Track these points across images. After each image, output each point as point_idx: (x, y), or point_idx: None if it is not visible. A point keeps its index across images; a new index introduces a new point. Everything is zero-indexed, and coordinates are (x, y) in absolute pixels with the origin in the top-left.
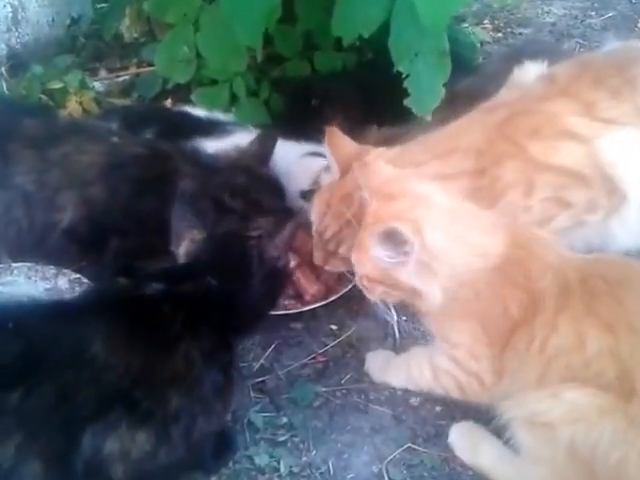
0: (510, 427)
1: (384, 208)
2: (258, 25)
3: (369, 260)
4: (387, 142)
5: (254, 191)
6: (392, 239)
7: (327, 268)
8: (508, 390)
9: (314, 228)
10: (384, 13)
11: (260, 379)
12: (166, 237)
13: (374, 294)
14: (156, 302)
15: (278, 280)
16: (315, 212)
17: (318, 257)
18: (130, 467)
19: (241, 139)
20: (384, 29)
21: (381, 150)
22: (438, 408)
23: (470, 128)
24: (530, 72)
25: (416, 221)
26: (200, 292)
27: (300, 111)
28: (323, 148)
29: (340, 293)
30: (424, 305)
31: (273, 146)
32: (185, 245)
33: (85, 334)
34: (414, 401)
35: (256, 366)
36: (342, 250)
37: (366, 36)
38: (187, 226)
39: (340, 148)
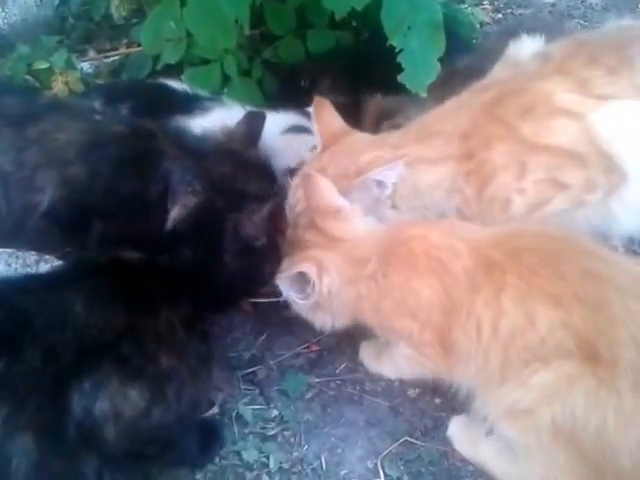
0: (495, 427)
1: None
2: None
3: None
4: (388, 112)
5: (239, 180)
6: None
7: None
8: (477, 381)
9: (287, 202)
10: None
11: (250, 370)
12: (151, 220)
13: None
14: (134, 269)
15: (255, 258)
16: (291, 186)
17: (290, 235)
18: (123, 427)
19: (223, 116)
20: (378, 3)
21: (364, 135)
22: (437, 400)
23: (456, 111)
24: (526, 47)
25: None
26: (175, 263)
27: (290, 93)
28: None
29: None
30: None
31: (261, 127)
32: (176, 209)
33: (66, 297)
34: (412, 392)
35: (247, 356)
36: None
37: (359, 9)
38: (184, 190)
39: (326, 122)
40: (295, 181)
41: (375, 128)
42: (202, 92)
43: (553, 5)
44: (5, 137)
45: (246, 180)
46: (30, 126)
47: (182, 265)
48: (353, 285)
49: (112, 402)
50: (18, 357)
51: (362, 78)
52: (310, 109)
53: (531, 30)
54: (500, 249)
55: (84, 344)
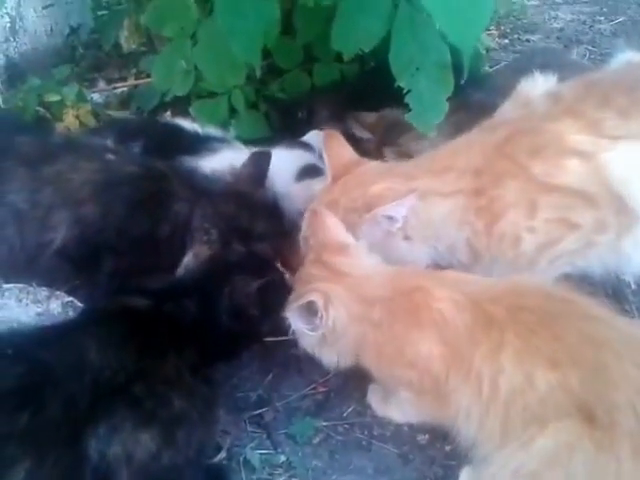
0: None
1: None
2: (256, 41)
3: None
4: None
5: (245, 220)
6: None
7: None
8: (479, 437)
9: (301, 234)
10: (385, 27)
11: (257, 412)
12: (159, 256)
13: None
14: (141, 316)
15: (248, 324)
16: (304, 219)
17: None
18: (135, 470)
19: (231, 157)
20: (386, 40)
21: (375, 163)
22: (447, 447)
23: (468, 147)
24: (537, 86)
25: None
26: (178, 313)
27: (290, 126)
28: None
29: None
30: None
31: (267, 167)
32: (190, 256)
33: (80, 345)
34: (421, 439)
35: (253, 397)
36: None
37: (367, 50)
38: (200, 238)
39: (337, 154)
40: (307, 214)
41: (382, 142)
42: (212, 132)
43: (561, 30)
44: (20, 176)
45: (251, 220)
46: (45, 166)
47: (185, 317)
48: (358, 323)
49: (125, 446)
50: (41, 409)
51: (365, 106)
52: (306, 138)
53: (541, 59)
54: (500, 305)
55: (99, 388)
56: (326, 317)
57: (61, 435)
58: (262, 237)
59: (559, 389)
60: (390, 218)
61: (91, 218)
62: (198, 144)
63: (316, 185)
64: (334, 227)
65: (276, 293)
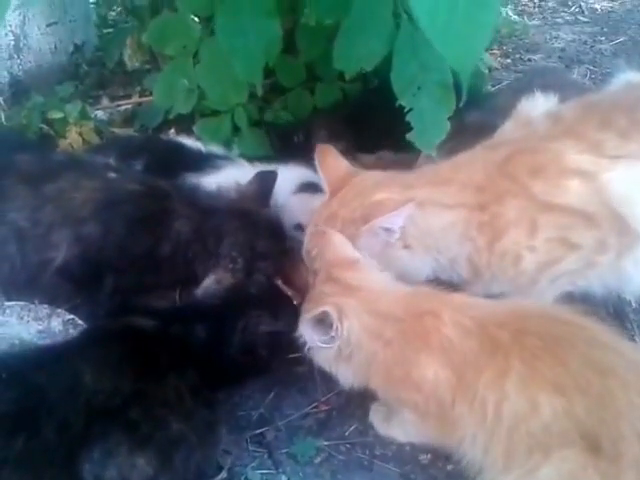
0: None
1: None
2: (257, 60)
3: None
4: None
5: (247, 237)
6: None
7: None
8: (483, 461)
9: (303, 250)
10: (386, 47)
11: (259, 431)
12: (161, 275)
13: None
14: (145, 336)
15: (255, 360)
16: (306, 234)
17: (310, 282)
18: None
19: (235, 174)
20: (387, 59)
21: (372, 173)
22: (449, 467)
23: (470, 163)
24: (537, 105)
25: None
26: (187, 337)
27: (287, 149)
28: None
29: None
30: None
31: (272, 186)
32: (212, 280)
33: (75, 367)
34: (423, 458)
35: (255, 415)
36: None
37: (368, 69)
38: (225, 265)
39: (332, 167)
40: (308, 238)
41: None
42: (215, 149)
43: (562, 50)
44: (21, 194)
45: (254, 238)
46: (47, 184)
47: (193, 341)
48: (371, 338)
49: (120, 470)
50: (35, 433)
51: (366, 125)
52: None
53: (542, 78)
54: (506, 330)
55: (93, 411)
56: (340, 328)
57: (56, 459)
58: (265, 256)
59: (564, 416)
60: (387, 229)
61: (92, 237)
62: (201, 162)
63: (315, 200)
64: (341, 244)
65: (289, 337)
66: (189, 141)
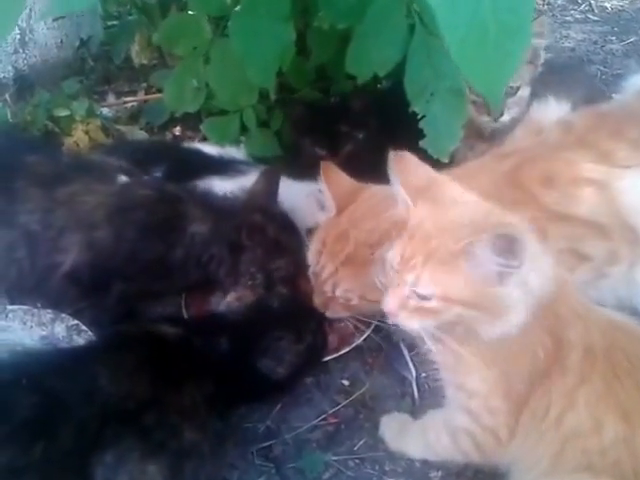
0: None
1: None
2: (271, 65)
3: (464, 272)
4: None
5: (272, 230)
6: (506, 247)
7: (328, 314)
8: (524, 459)
9: (310, 269)
10: (400, 52)
11: (266, 444)
12: (170, 281)
13: (439, 318)
14: (166, 343)
15: (276, 382)
16: (311, 252)
17: (318, 301)
18: None
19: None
20: (400, 65)
21: (380, 188)
22: None
23: (478, 172)
24: (549, 112)
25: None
26: (209, 349)
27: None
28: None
29: (353, 344)
30: (491, 332)
31: (277, 183)
32: (233, 297)
33: (92, 370)
34: (434, 475)
35: (261, 428)
36: (339, 292)
37: (382, 75)
38: (245, 282)
39: (337, 184)
40: (316, 246)
41: None
42: (235, 154)
43: (572, 50)
44: (33, 197)
45: (277, 231)
46: (60, 187)
47: (215, 354)
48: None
49: (131, 477)
50: (53, 439)
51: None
52: None
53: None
54: (603, 339)
55: (107, 416)
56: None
57: (72, 465)
58: (284, 251)
59: (624, 444)
60: None
61: (103, 242)
62: (224, 167)
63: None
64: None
65: (310, 361)
66: (208, 147)
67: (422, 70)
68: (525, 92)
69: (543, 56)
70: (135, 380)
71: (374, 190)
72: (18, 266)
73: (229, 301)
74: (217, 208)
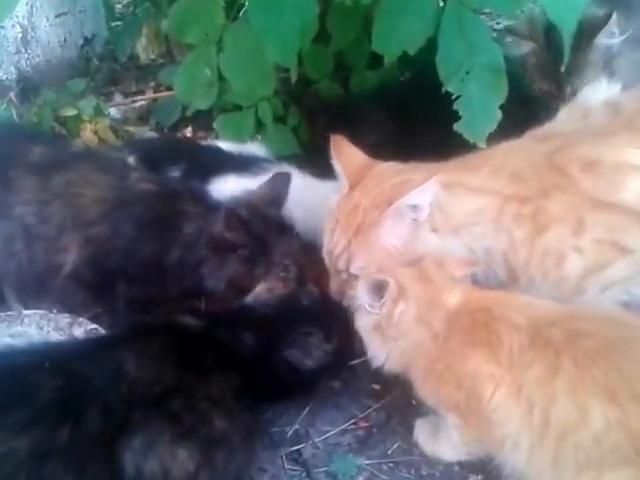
0: None
1: None
2: (293, 42)
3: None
4: None
5: (256, 226)
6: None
7: (345, 303)
8: (526, 468)
9: (324, 249)
10: (431, 27)
11: (295, 448)
12: (170, 282)
13: None
14: (189, 333)
15: (301, 380)
16: (326, 231)
17: (334, 287)
18: None
19: None
20: (431, 45)
21: (392, 163)
22: None
23: (512, 151)
24: (599, 92)
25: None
26: (232, 341)
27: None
28: None
29: None
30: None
31: (286, 188)
32: (263, 287)
33: (118, 356)
34: (474, 479)
35: (289, 432)
36: (353, 269)
37: (412, 53)
38: (277, 273)
39: (348, 159)
40: (329, 225)
41: None
42: (256, 151)
43: None
44: (29, 187)
45: (262, 228)
46: (56, 175)
47: (239, 347)
48: (422, 327)
49: (161, 461)
50: (80, 423)
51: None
52: None
53: None
54: (559, 328)
55: (134, 400)
56: (393, 307)
57: (100, 449)
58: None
59: (617, 427)
60: (415, 207)
61: (101, 238)
62: (246, 165)
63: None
64: None
65: (337, 363)
66: (226, 145)
67: (455, 46)
68: None
69: None
70: (162, 366)
71: (387, 165)
72: (17, 260)
73: (258, 292)
74: (211, 206)
